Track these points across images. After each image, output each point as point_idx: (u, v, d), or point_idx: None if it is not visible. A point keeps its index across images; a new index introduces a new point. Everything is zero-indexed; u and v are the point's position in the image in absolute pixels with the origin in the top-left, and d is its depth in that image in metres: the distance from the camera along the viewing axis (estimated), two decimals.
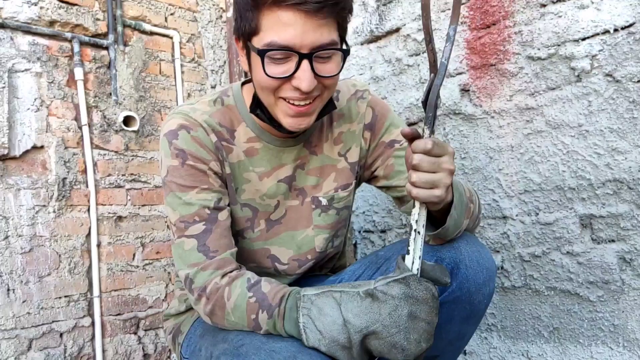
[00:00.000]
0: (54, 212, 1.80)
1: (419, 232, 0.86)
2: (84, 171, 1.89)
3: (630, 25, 1.31)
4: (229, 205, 1.07)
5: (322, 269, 1.28)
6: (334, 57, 0.94)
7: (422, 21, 0.86)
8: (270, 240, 1.15)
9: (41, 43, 1.82)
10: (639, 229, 1.32)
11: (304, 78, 0.91)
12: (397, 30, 1.82)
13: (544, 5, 1.46)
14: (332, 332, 0.86)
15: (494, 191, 1.59)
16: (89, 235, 1.88)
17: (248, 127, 1.09)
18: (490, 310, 1.63)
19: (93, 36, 1.96)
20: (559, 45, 1.43)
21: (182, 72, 2.23)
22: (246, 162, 1.09)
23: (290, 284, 1.10)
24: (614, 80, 1.34)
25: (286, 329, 0.92)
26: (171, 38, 2.20)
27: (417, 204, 0.86)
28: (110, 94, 1.99)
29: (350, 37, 1.94)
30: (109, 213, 1.94)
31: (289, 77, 0.92)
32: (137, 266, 2.00)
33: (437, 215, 0.95)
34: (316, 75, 0.92)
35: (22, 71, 1.77)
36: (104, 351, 1.87)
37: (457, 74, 1.66)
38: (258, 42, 0.92)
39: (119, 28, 2.01)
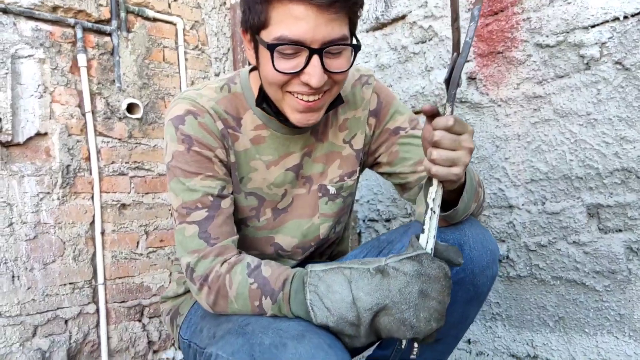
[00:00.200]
0: (58, 199, 1.79)
1: (434, 212, 0.85)
2: (88, 158, 1.89)
3: None
4: (232, 193, 1.06)
5: (322, 256, 1.27)
6: (344, 53, 0.93)
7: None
8: (276, 229, 1.14)
9: (44, 29, 1.81)
10: None
11: (314, 74, 0.90)
12: (403, 17, 1.80)
13: None
14: (340, 309, 0.85)
15: (500, 180, 1.58)
16: (92, 222, 1.88)
17: (255, 115, 1.08)
18: (495, 300, 1.62)
19: (96, 22, 1.94)
20: (567, 33, 1.41)
21: (186, 60, 2.21)
22: (253, 151, 1.08)
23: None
24: (623, 68, 1.33)
25: (293, 311, 0.91)
26: (175, 25, 2.19)
27: (435, 182, 0.85)
28: (114, 80, 1.98)
29: None
30: (113, 201, 1.94)
31: (298, 73, 0.91)
32: (141, 254, 2.00)
33: (447, 197, 0.94)
34: (326, 70, 0.91)
35: (25, 57, 1.76)
36: (108, 338, 1.88)
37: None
38: (267, 35, 0.90)
39: (122, 14, 2.00)
